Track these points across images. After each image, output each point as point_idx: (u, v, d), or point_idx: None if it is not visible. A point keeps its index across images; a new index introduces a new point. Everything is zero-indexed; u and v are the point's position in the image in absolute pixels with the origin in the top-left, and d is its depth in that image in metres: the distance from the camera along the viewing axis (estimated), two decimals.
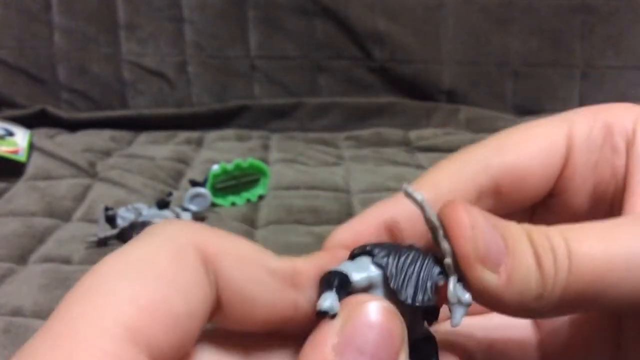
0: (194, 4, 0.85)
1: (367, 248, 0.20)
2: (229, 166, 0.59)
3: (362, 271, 0.20)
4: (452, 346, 0.25)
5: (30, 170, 0.65)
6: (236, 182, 0.60)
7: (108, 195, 0.60)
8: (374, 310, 0.19)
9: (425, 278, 0.20)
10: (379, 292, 0.20)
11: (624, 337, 0.25)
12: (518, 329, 0.27)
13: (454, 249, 0.20)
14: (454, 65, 0.86)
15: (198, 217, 0.55)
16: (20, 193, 0.61)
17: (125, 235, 0.49)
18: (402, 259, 0.20)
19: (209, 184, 0.58)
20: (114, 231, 0.51)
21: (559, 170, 0.25)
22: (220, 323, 0.19)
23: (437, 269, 0.20)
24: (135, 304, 0.17)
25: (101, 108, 0.86)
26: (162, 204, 0.54)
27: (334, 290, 0.19)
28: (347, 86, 0.87)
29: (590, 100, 0.85)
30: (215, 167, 0.59)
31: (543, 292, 0.19)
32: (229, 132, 0.82)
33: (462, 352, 0.25)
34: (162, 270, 0.17)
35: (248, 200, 0.60)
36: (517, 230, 0.20)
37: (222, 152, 0.74)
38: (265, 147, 0.76)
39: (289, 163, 0.69)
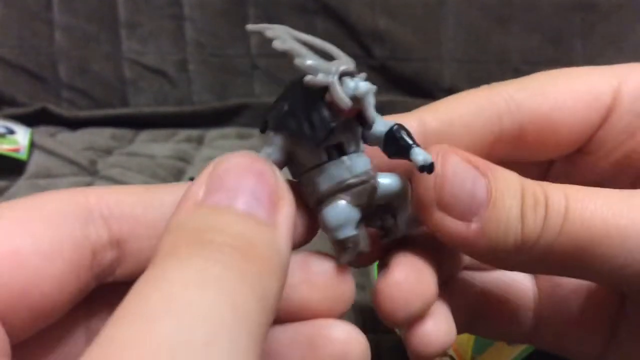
0: (194, 2, 0.85)
1: (265, 120, 0.20)
2: None
3: (273, 146, 0.19)
4: (451, 294, 0.24)
5: (31, 168, 0.65)
6: None
7: None
8: (237, 157, 0.17)
9: (311, 110, 0.19)
10: (300, 153, 0.19)
11: (621, 327, 0.24)
12: (517, 286, 0.26)
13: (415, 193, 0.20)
14: (454, 63, 0.86)
15: None
16: (21, 191, 0.61)
17: None
18: (283, 108, 0.19)
19: None
20: None
21: (595, 128, 0.23)
22: (129, 276, 0.18)
23: (315, 97, 0.19)
24: None
25: (102, 106, 0.86)
26: None
27: None
28: None
29: None
30: None
31: (522, 246, 0.19)
32: (230, 130, 0.82)
33: (460, 301, 0.24)
34: (14, 215, 0.16)
35: None
36: (509, 183, 0.19)
37: (222, 150, 0.74)
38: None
39: None
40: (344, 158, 0.19)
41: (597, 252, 0.18)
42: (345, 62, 0.19)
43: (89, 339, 0.18)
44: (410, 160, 0.19)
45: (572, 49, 0.85)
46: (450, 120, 0.22)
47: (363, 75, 0.19)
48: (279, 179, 0.18)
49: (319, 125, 0.18)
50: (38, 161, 0.67)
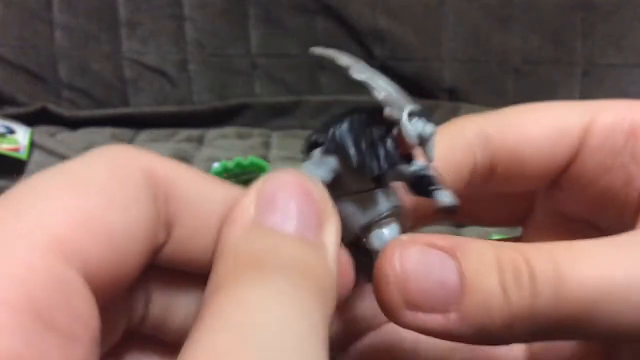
0: (194, 2, 0.85)
1: (313, 139, 0.20)
2: (230, 164, 0.59)
3: (323, 166, 0.19)
4: (437, 355, 0.23)
5: (31, 168, 0.65)
6: (237, 179, 0.60)
7: None
8: (286, 175, 0.17)
9: (377, 141, 0.19)
10: (346, 177, 0.19)
11: None
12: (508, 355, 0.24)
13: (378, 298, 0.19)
14: (454, 63, 0.86)
15: None
16: None
17: None
18: (344, 132, 0.19)
19: None
20: None
21: (565, 163, 0.23)
22: (167, 262, 0.18)
23: (380, 128, 0.19)
24: (69, 216, 0.15)
25: (102, 106, 0.86)
26: None
27: None
28: (348, 84, 0.86)
29: (591, 98, 0.85)
30: (216, 165, 0.59)
31: (512, 322, 0.18)
32: (230, 130, 0.82)
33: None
34: (102, 184, 0.16)
35: None
36: (483, 258, 0.18)
37: (222, 150, 0.74)
38: (266, 145, 0.76)
39: (289, 161, 0.69)
40: (390, 189, 0.20)
41: (599, 311, 0.17)
42: (409, 101, 0.19)
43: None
44: (435, 200, 0.19)
45: (573, 49, 0.85)
46: None
47: (427, 113, 0.19)
48: (326, 198, 0.18)
49: (383, 159, 0.19)
50: (38, 161, 0.67)
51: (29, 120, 0.77)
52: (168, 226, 0.17)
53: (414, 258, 0.19)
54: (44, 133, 0.75)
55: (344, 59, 0.20)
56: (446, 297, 0.18)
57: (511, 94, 0.87)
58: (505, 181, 0.23)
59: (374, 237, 0.20)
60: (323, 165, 0.19)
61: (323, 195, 0.18)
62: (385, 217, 0.20)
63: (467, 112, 0.85)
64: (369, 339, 0.24)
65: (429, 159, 0.19)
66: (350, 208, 0.20)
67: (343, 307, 0.22)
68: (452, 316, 0.18)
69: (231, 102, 0.85)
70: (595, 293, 0.17)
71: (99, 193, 0.16)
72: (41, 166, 0.65)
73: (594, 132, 0.22)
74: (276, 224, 0.16)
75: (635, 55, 0.85)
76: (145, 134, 0.81)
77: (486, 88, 0.87)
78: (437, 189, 0.19)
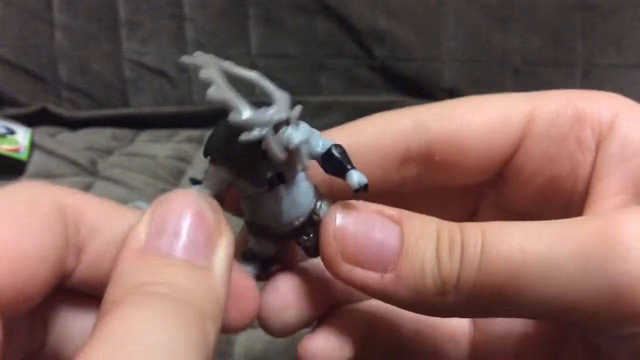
0: (194, 2, 0.85)
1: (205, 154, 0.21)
2: None
3: (214, 179, 0.20)
4: (378, 327, 0.24)
5: (31, 168, 0.65)
6: None
7: (109, 194, 0.60)
8: (177, 197, 0.18)
9: (249, 157, 0.19)
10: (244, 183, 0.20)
11: (563, 354, 0.22)
12: (451, 326, 0.25)
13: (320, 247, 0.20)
14: (454, 64, 0.86)
15: None
16: None
17: None
18: (224, 140, 0.20)
19: None
20: None
21: (508, 153, 0.22)
22: (77, 285, 0.19)
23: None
24: None
25: (102, 106, 0.86)
26: None
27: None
28: (348, 84, 0.87)
29: None
30: None
31: (444, 288, 0.18)
32: None
33: (388, 334, 0.24)
34: (14, 214, 0.17)
35: None
36: (424, 227, 0.19)
37: None
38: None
39: None
40: (281, 195, 0.20)
41: (521, 284, 0.18)
42: (279, 107, 0.19)
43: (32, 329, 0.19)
44: (345, 180, 0.20)
45: (573, 49, 0.85)
46: (357, 142, 0.22)
47: (296, 112, 0.20)
48: (219, 217, 0.18)
49: (257, 174, 0.19)
50: (38, 161, 0.67)
51: (29, 120, 0.77)
52: (78, 252, 0.18)
53: (356, 217, 0.19)
54: (44, 133, 0.75)
55: (206, 71, 0.20)
56: (384, 257, 0.19)
57: None
58: (445, 171, 0.23)
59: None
60: (214, 178, 0.20)
61: (214, 214, 0.18)
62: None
63: None
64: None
65: (303, 166, 0.19)
66: (248, 206, 0.21)
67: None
68: (388, 276, 0.19)
69: None
70: (516, 267, 0.18)
71: (11, 221, 0.17)
72: (41, 167, 0.65)
73: (537, 120, 0.22)
74: (164, 248, 0.17)
75: (635, 56, 0.85)
76: (145, 135, 0.81)
77: (486, 88, 0.87)
78: (347, 168, 0.20)
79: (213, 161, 0.20)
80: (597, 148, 0.21)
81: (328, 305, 0.23)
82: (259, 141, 0.18)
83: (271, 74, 0.86)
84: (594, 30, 0.85)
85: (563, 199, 0.22)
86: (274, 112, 0.19)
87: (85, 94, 0.86)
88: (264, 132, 0.18)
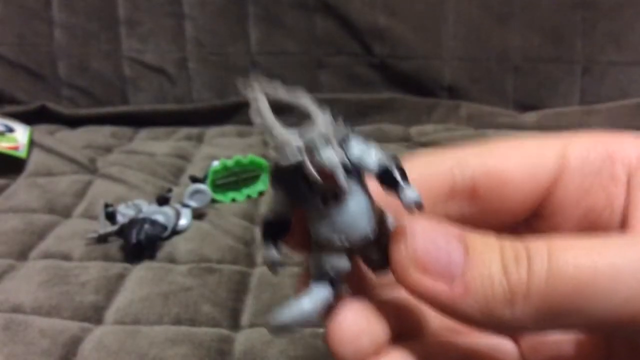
0: (194, 0, 0.85)
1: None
2: (229, 162, 0.59)
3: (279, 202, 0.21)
4: (430, 353, 0.24)
5: (30, 166, 0.65)
6: (236, 178, 0.60)
7: (108, 192, 0.60)
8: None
9: (293, 181, 0.20)
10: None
11: None
12: (501, 351, 0.25)
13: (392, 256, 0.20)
14: (454, 61, 0.86)
15: (198, 213, 0.55)
16: (21, 189, 0.61)
17: (125, 232, 0.49)
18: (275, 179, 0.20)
19: (209, 180, 0.58)
20: (114, 227, 0.51)
21: (546, 188, 0.24)
22: None
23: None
24: None
25: (102, 104, 0.86)
26: (162, 201, 0.54)
27: None
28: (348, 82, 0.87)
29: (591, 96, 0.85)
30: (216, 163, 0.59)
31: (513, 298, 0.19)
32: (229, 128, 0.82)
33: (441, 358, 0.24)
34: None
35: (248, 197, 0.60)
36: (486, 240, 0.20)
37: (222, 148, 0.74)
38: (266, 143, 0.76)
39: None
40: (341, 212, 0.20)
41: (590, 292, 0.18)
42: (317, 128, 0.19)
43: None
44: (399, 197, 0.20)
45: (573, 47, 0.85)
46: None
47: (339, 131, 0.20)
48: None
49: (305, 195, 0.20)
50: (37, 159, 0.67)
51: (28, 118, 0.77)
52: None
53: (424, 227, 0.20)
54: (43, 131, 0.75)
55: (255, 96, 0.20)
56: (452, 266, 0.19)
57: (511, 92, 0.87)
58: (489, 206, 0.24)
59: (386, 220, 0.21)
60: (276, 200, 0.21)
61: None
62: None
63: (467, 110, 0.85)
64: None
65: (340, 189, 0.19)
66: (311, 223, 0.21)
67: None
68: (457, 286, 0.19)
69: (231, 101, 0.85)
70: (587, 274, 0.18)
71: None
72: (40, 165, 0.65)
73: (570, 156, 0.24)
74: None
75: (635, 53, 0.85)
76: (144, 132, 0.81)
77: (486, 86, 0.87)
78: (401, 185, 0.20)
79: (271, 184, 0.21)
80: (629, 180, 0.23)
81: (396, 336, 0.23)
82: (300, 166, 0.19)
83: (271, 71, 0.86)
84: (594, 28, 0.85)
85: (600, 232, 0.23)
86: (308, 135, 0.19)
87: (85, 92, 0.86)
88: (298, 157, 0.19)
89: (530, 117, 0.83)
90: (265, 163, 0.61)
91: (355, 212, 0.20)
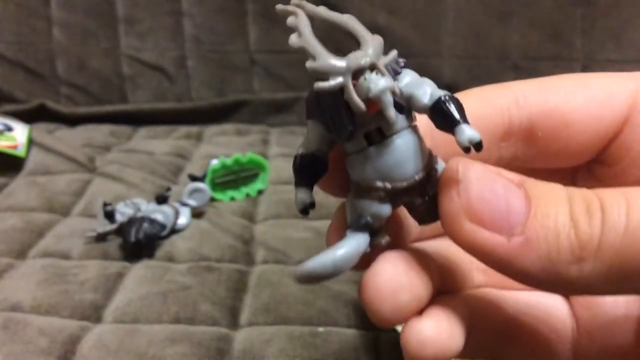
0: None
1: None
2: (228, 161, 0.58)
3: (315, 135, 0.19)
4: (480, 318, 0.22)
5: (29, 165, 0.65)
6: (235, 176, 0.60)
7: (107, 191, 0.60)
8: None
9: (333, 109, 0.18)
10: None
11: None
12: (554, 313, 0.23)
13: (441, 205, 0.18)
14: (454, 59, 0.86)
15: (197, 212, 0.55)
16: (20, 188, 0.61)
17: (124, 231, 0.49)
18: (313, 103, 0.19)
19: (208, 179, 0.58)
20: (113, 226, 0.51)
21: (613, 131, 0.21)
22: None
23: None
24: None
25: (100, 103, 0.86)
26: (161, 199, 0.54)
27: None
28: None
29: None
30: (215, 162, 0.59)
31: (581, 254, 0.16)
32: (229, 127, 0.82)
33: (486, 321, 0.22)
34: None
35: (247, 195, 0.60)
36: (552, 190, 0.17)
37: (221, 146, 0.74)
38: (265, 142, 0.76)
39: (288, 158, 0.69)
40: (386, 152, 0.18)
41: None
42: (365, 53, 0.17)
43: None
44: (455, 136, 0.18)
45: (572, 45, 0.85)
46: None
47: (385, 58, 0.17)
48: None
49: (341, 127, 0.18)
50: (36, 158, 0.66)
51: (27, 117, 0.77)
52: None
53: (479, 172, 0.18)
54: (42, 130, 0.75)
55: (294, 18, 0.18)
56: (511, 218, 0.17)
57: None
58: (545, 149, 0.21)
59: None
60: (312, 134, 0.19)
61: None
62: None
63: None
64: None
65: (387, 120, 0.17)
66: (352, 165, 0.19)
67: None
68: (516, 239, 0.17)
69: (230, 99, 0.85)
70: None
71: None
72: (39, 163, 0.65)
73: None
74: None
75: (634, 51, 0.85)
76: (143, 131, 0.80)
77: (485, 84, 0.87)
78: (458, 122, 0.18)
79: (307, 115, 0.19)
80: None
81: (437, 292, 0.21)
82: (342, 92, 0.17)
83: (270, 69, 0.86)
84: (593, 25, 0.84)
85: None
86: (353, 58, 0.17)
87: (84, 90, 0.86)
88: (340, 80, 0.17)
89: None
90: (264, 162, 0.61)
91: (401, 153, 0.18)
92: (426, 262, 0.20)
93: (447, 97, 0.18)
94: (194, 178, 0.58)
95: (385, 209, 0.19)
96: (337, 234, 0.20)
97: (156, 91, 0.87)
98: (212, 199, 0.58)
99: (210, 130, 0.81)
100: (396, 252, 0.20)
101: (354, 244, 0.19)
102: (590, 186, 0.20)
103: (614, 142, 0.21)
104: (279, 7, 0.18)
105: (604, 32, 0.84)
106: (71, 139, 0.74)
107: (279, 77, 0.87)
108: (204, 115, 0.84)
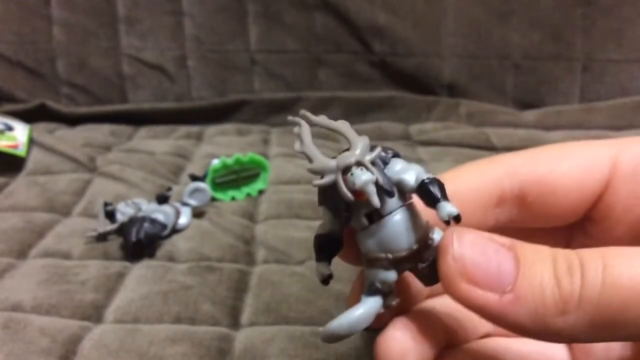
0: None
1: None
2: (229, 161, 0.58)
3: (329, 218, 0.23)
4: None
5: (29, 165, 0.65)
6: (236, 176, 0.60)
7: (108, 190, 0.60)
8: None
9: (331, 199, 0.21)
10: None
11: None
12: (550, 345, 0.25)
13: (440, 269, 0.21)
14: (454, 59, 0.86)
15: (198, 212, 0.55)
16: (20, 188, 0.61)
17: (124, 231, 0.49)
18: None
19: (208, 179, 0.58)
20: (114, 226, 0.51)
21: (596, 194, 0.24)
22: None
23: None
24: None
25: (101, 102, 0.86)
26: (162, 199, 0.54)
27: None
28: (347, 80, 0.87)
29: (591, 94, 0.85)
30: (215, 162, 0.59)
31: (565, 308, 0.18)
32: (229, 127, 0.82)
33: None
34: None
35: (248, 195, 0.60)
36: (538, 251, 0.20)
37: (222, 146, 0.74)
38: (266, 142, 0.76)
39: (289, 157, 0.69)
40: (385, 228, 0.21)
41: None
42: (352, 153, 0.21)
43: None
44: (437, 213, 0.21)
45: (573, 45, 0.85)
46: (456, 188, 0.24)
47: (369, 155, 0.21)
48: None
49: (340, 212, 0.21)
50: (37, 158, 0.66)
51: (27, 117, 0.77)
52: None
53: (472, 239, 0.20)
54: (42, 130, 0.75)
55: (300, 129, 0.22)
56: (502, 278, 0.19)
57: (511, 90, 0.87)
58: (537, 212, 0.24)
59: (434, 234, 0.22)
60: (325, 218, 0.22)
61: None
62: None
63: (467, 107, 0.85)
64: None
65: (372, 205, 0.20)
66: (359, 240, 0.22)
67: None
68: (507, 296, 0.19)
69: (230, 99, 0.85)
70: None
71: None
72: (40, 163, 0.65)
73: (622, 162, 0.23)
74: None
75: (635, 51, 0.85)
76: (144, 131, 0.81)
77: (486, 84, 0.87)
78: (438, 200, 0.21)
79: (319, 202, 0.22)
80: None
81: (444, 347, 0.24)
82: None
83: (270, 69, 0.86)
84: (594, 25, 0.84)
85: None
86: (342, 158, 0.21)
87: (84, 90, 0.86)
88: (332, 177, 0.20)
89: (530, 115, 0.83)
90: (265, 161, 0.61)
91: (396, 229, 0.21)
92: (432, 323, 0.23)
93: (429, 180, 0.21)
94: (194, 178, 0.58)
95: (391, 275, 0.22)
96: (356, 298, 0.23)
97: (156, 91, 0.87)
98: (213, 199, 0.58)
99: (211, 130, 0.81)
100: (405, 318, 0.23)
101: (368, 307, 0.22)
102: (582, 241, 0.25)
103: (599, 203, 0.24)
104: (290, 118, 0.22)
105: (604, 31, 0.84)
106: (71, 139, 0.74)
107: (280, 77, 0.87)
108: (204, 115, 0.84)
